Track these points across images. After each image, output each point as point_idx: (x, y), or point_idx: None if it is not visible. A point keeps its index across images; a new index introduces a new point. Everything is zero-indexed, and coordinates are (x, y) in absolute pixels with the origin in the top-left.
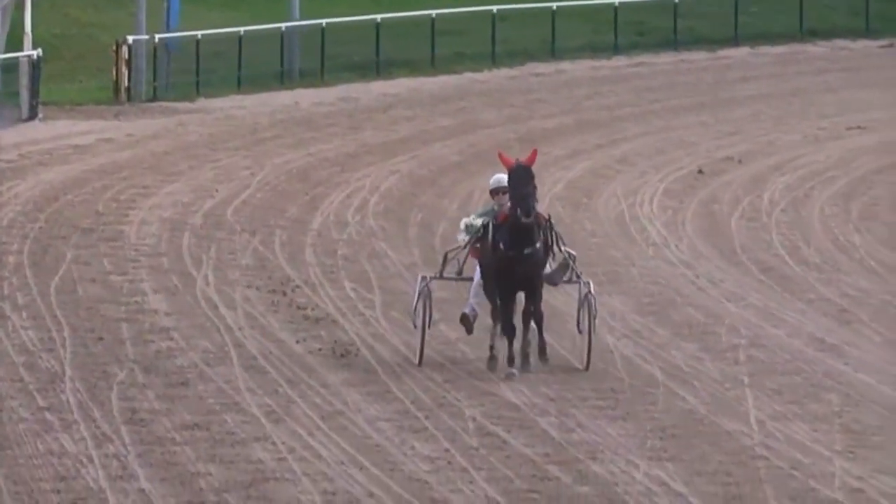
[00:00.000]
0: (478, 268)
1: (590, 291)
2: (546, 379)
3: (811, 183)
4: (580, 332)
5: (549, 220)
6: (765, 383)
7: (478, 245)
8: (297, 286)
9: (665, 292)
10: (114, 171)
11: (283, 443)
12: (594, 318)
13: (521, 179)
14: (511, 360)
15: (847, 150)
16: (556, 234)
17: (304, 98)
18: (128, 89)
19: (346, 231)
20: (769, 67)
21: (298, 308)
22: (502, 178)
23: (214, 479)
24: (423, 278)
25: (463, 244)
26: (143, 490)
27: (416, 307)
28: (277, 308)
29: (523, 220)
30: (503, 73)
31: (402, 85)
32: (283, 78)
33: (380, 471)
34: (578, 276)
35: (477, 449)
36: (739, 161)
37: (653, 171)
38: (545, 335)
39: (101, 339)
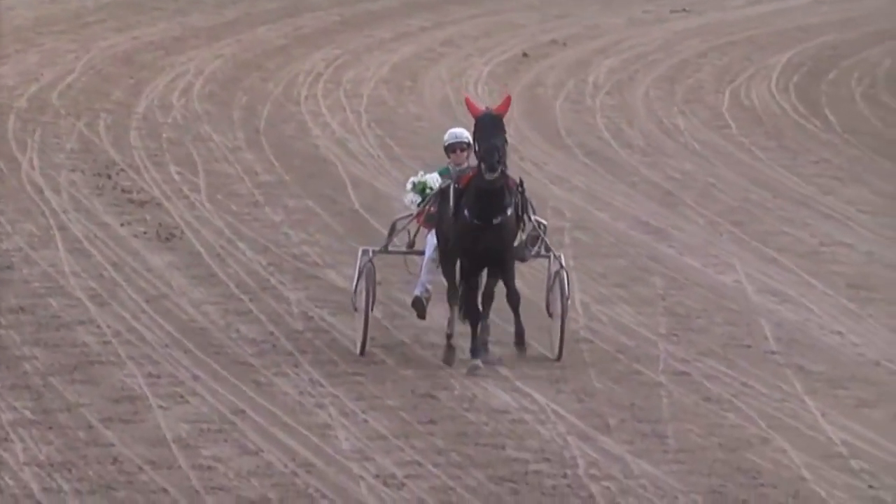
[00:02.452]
0: (430, 240)
1: (562, 266)
2: None
3: (635, 66)
4: (550, 315)
5: (520, 184)
6: (589, 266)
7: (432, 211)
8: (122, 169)
9: None
10: None
11: (107, 326)
12: (567, 300)
13: (489, 130)
14: (476, 351)
15: (672, 32)
16: (527, 200)
17: None
18: None
19: (171, 114)
20: None
21: (123, 191)
22: (459, 132)
23: (39, 362)
24: (366, 252)
25: (413, 209)
26: None
27: (356, 287)
28: (102, 191)
29: (487, 176)
30: None
31: None
32: None
33: (204, 354)
34: (549, 250)
35: (301, 332)
36: (564, 44)
37: (478, 53)
38: (521, 320)
39: None
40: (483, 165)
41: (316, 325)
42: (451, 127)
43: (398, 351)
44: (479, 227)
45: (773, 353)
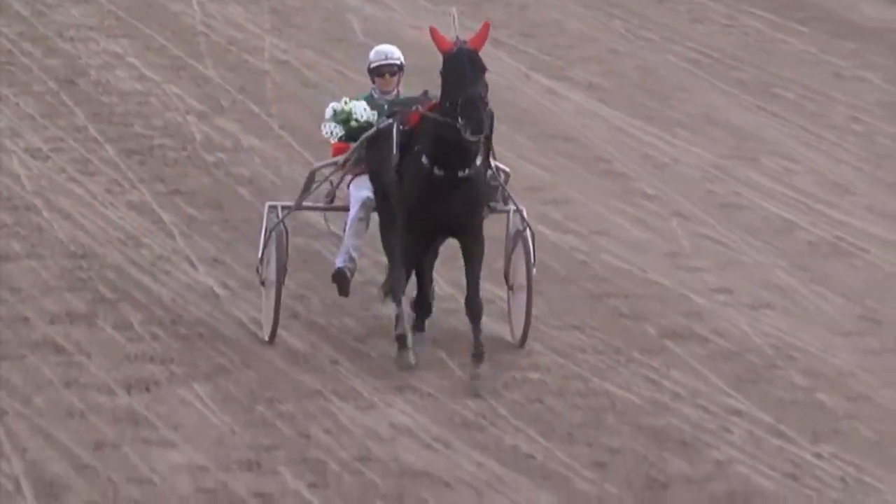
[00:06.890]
0: (354, 194)
1: (525, 224)
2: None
3: None
4: (510, 287)
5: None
6: None
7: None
8: None
9: None
10: None
11: None
12: (533, 268)
13: (467, 73)
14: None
15: None
16: (490, 143)
17: None
18: None
19: None
20: None
21: None
22: (389, 50)
23: None
24: (273, 209)
25: (333, 141)
26: None
27: (262, 253)
28: None
29: (469, 137)
30: None
31: None
32: None
33: None
34: (507, 202)
35: None
36: None
37: None
38: (481, 337)
39: None
40: (466, 129)
41: None
42: None
43: (43, 45)
44: (444, 180)
45: (361, 44)
